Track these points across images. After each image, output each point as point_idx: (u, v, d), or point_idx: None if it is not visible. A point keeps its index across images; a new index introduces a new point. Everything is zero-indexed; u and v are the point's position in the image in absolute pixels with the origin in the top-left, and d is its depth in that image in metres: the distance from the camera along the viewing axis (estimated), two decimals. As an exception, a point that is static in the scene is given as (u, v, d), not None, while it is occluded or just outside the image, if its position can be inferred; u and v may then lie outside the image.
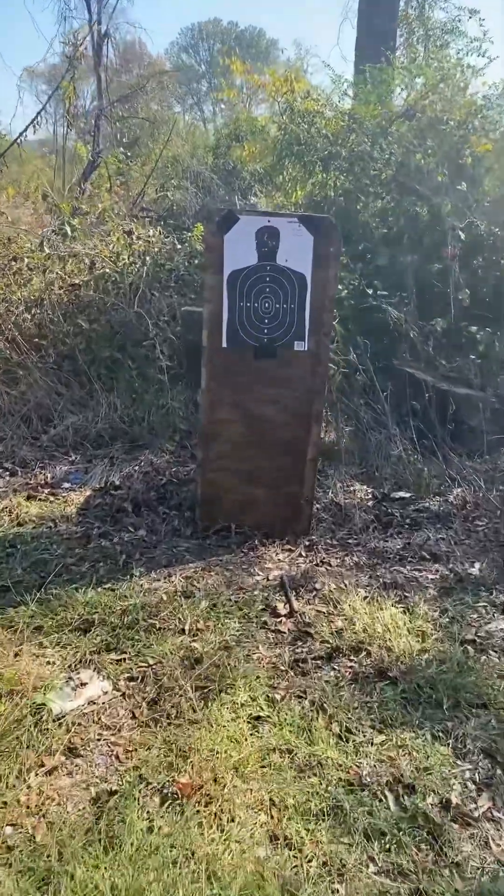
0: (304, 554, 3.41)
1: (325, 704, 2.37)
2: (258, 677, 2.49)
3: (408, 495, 4.10)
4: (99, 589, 2.95)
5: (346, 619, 2.84)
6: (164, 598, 2.92)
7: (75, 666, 2.49)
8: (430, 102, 8.31)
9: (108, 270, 5.29)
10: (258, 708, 2.34)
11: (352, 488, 4.16)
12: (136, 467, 4.14)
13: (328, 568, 3.29)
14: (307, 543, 3.52)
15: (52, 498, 3.83)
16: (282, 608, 2.90)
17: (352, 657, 2.64)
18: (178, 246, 5.92)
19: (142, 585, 3.01)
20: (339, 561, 3.37)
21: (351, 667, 2.59)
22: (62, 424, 4.41)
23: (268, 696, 2.40)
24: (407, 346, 5.80)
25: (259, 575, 3.18)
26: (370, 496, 4.11)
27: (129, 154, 12.98)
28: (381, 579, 3.21)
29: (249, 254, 3.23)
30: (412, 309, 5.76)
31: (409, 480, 4.23)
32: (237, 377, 3.39)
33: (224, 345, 3.34)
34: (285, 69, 8.61)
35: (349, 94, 9.11)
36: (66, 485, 3.96)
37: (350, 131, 8.22)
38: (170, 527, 3.59)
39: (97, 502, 3.80)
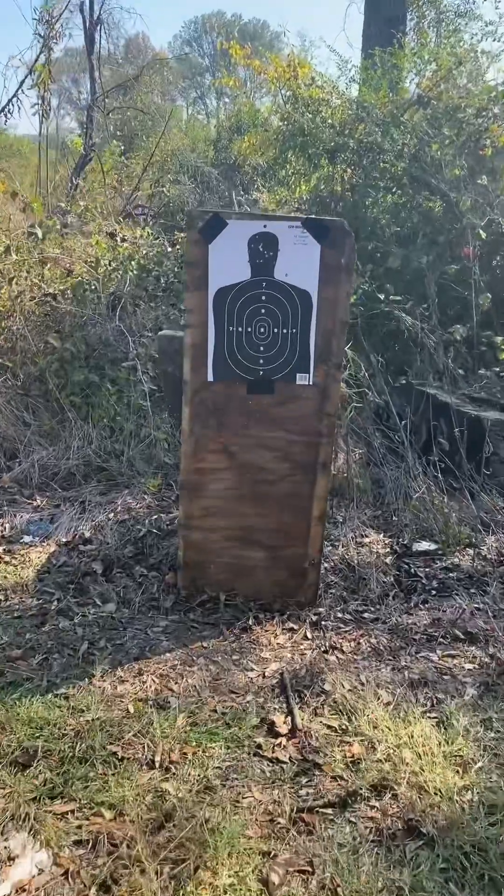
0: (309, 635, 2.78)
1: (339, 889, 1.74)
2: (248, 838, 1.86)
3: (433, 547, 3.46)
4: (49, 696, 2.32)
5: (364, 741, 2.20)
6: (131, 710, 2.29)
7: (3, 826, 1.87)
8: (445, 89, 7.62)
9: (85, 278, 4.65)
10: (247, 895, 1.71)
11: (366, 538, 3.52)
12: (111, 514, 3.51)
13: (339, 657, 2.66)
14: (313, 619, 2.88)
15: (6, 557, 3.19)
16: (281, 723, 2.27)
17: (373, 802, 2.01)
18: (169, 249, 5.27)
19: (104, 690, 2.38)
20: (352, 645, 2.73)
21: (372, 817, 1.96)
22: (27, 461, 3.78)
23: (260, 874, 1.77)
24: (424, 358, 5.16)
25: (253, 670, 2.54)
26: (388, 549, 3.46)
27: (123, 147, 12.33)
28: (405, 672, 2.57)
29: (241, 267, 2.59)
30: (430, 315, 5.11)
31: (434, 527, 3.59)
32: (226, 417, 2.75)
33: (210, 378, 2.70)
34: (289, 54, 7.93)
35: (357, 79, 8.43)
36: (27, 538, 3.33)
37: (358, 120, 7.55)
38: (146, 596, 2.96)
39: (61, 561, 3.17)
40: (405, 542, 3.51)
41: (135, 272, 4.90)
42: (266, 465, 2.81)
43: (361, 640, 2.77)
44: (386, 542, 3.54)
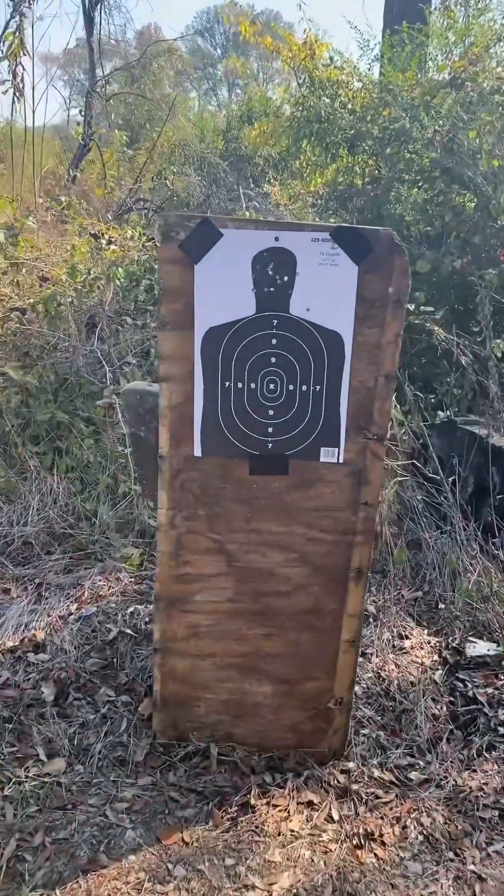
0: (335, 815, 1.97)
1: None
2: None
3: (493, 651, 2.63)
4: None
5: None
6: None
7: None
8: (481, 69, 6.71)
9: (59, 289, 3.84)
10: None
11: (407, 641, 2.71)
12: (75, 604, 2.71)
13: (378, 854, 1.85)
14: (340, 781, 2.07)
15: None
16: None
17: None
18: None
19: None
20: (396, 831, 1.92)
21: None
22: (-26, 527, 2.98)
23: None
24: (464, 384, 4.32)
25: (255, 888, 1.74)
26: (435, 655, 2.65)
27: (129, 138, 11.51)
28: (475, 887, 1.76)
29: (241, 298, 1.78)
30: (481, 333, 4.26)
31: (493, 621, 2.77)
32: (220, 506, 1.94)
33: (197, 453, 1.89)
34: (306, 30, 7.06)
35: (380, 59, 7.54)
36: (-40, 641, 2.54)
37: (383, 105, 6.69)
38: (111, 740, 2.16)
39: (1, 681, 2.37)
40: (456, 644, 2.69)
41: (121, 281, 4.09)
42: (276, 570, 2.00)
43: (408, 821, 1.96)
44: (433, 643, 2.72)
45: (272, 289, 1.77)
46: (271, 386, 1.85)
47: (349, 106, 7.15)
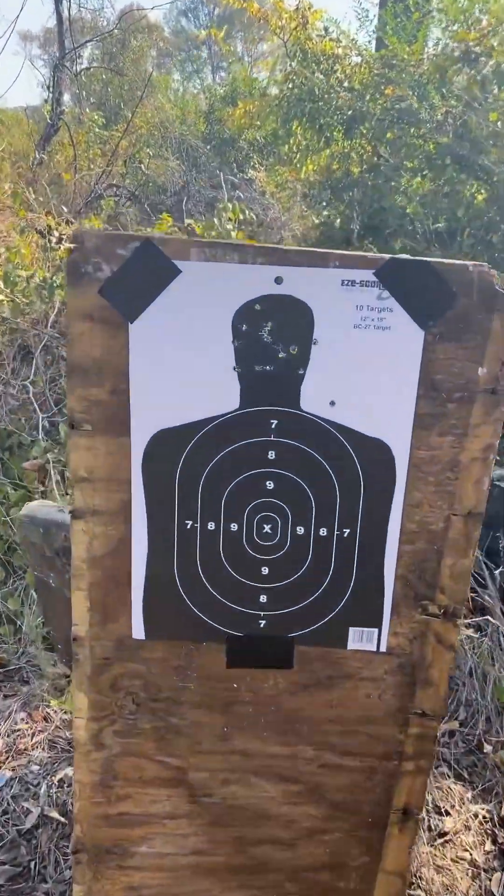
0: None
1: None
2: None
3: None
4: None
5: None
6: None
7: None
8: (498, 44, 5.89)
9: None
10: None
11: (446, 815, 1.95)
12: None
13: None
14: None
15: None
16: None
17: None
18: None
19: None
20: None
21: None
22: None
23: None
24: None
25: None
26: (488, 842, 1.89)
27: (105, 120, 10.61)
28: None
29: (213, 380, 0.98)
30: None
31: None
32: (177, 715, 1.16)
33: (138, 634, 1.10)
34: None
35: (382, 28, 6.69)
36: None
37: (384, 82, 5.87)
38: None
39: None
40: (514, 819, 1.94)
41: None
42: (271, 809, 1.22)
43: None
44: (481, 815, 1.96)
45: (270, 367, 0.98)
46: (266, 528, 1.06)
47: (346, 84, 6.32)
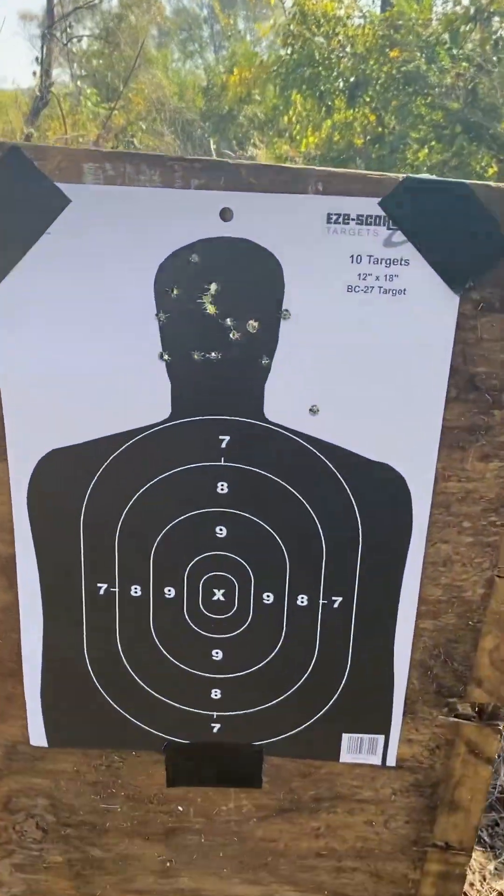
0: None
1: None
2: None
3: None
4: None
5: None
6: None
7: None
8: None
9: None
10: None
11: (468, 881, 1.60)
12: None
13: None
14: None
15: None
16: None
17: None
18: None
19: None
20: None
21: None
22: None
23: None
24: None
25: None
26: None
27: (101, 94, 10.21)
28: None
29: (129, 375, 0.61)
30: None
31: None
32: (99, 845, 0.81)
33: (38, 741, 0.74)
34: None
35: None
36: None
37: (389, 45, 5.45)
38: None
39: None
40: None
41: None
42: None
43: None
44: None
45: (216, 354, 0.62)
46: (218, 594, 0.71)
47: (348, 49, 5.89)
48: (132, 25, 13.50)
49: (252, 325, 0.62)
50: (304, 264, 0.60)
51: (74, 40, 10.45)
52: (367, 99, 6.04)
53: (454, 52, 4.99)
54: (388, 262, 0.59)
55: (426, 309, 0.61)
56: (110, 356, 0.63)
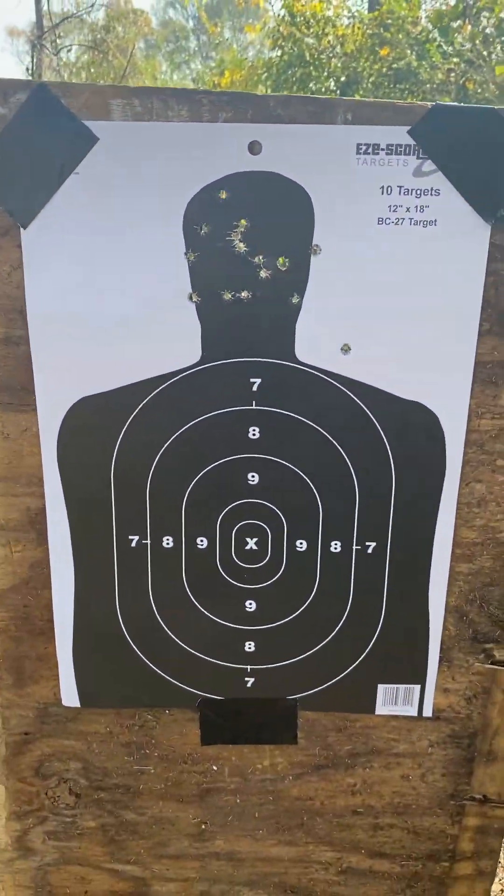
0: None
1: None
2: None
3: None
4: None
5: None
6: None
7: None
8: (501, -5, 5.51)
9: None
10: None
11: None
12: None
13: None
14: None
15: None
16: None
17: None
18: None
19: None
20: None
21: None
22: None
23: None
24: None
25: None
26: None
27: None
28: None
29: (158, 318, 0.61)
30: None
31: None
32: (132, 808, 0.80)
33: (69, 700, 0.73)
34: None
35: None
36: None
37: (379, 43, 5.47)
38: None
39: None
40: None
41: None
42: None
43: None
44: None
45: (247, 294, 0.62)
46: (251, 543, 0.71)
47: (337, 49, 5.92)
48: (119, 37, 13.59)
49: (282, 262, 0.62)
50: (334, 197, 0.60)
51: (64, 51, 10.51)
52: (358, 94, 6.08)
53: (444, 48, 5.02)
54: (418, 192, 0.59)
55: (458, 240, 0.60)
56: (140, 299, 0.63)
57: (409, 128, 0.58)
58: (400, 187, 0.59)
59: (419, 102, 0.57)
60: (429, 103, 0.58)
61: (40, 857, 0.85)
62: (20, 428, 0.67)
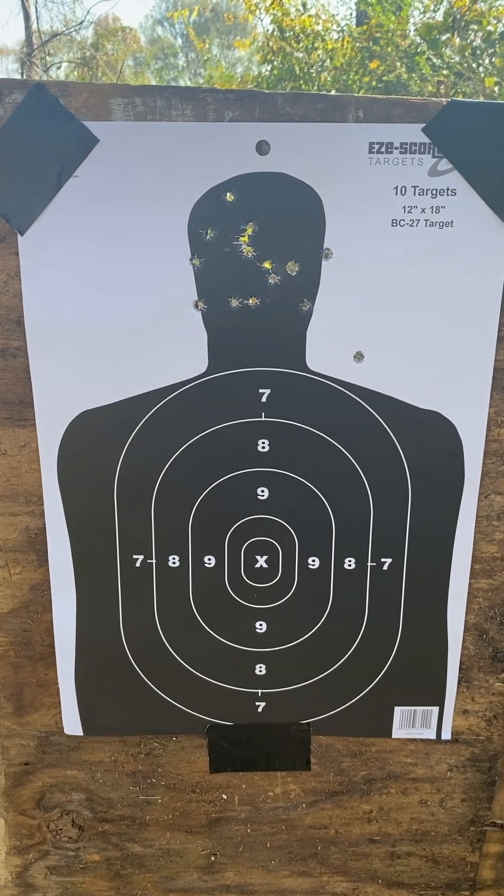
0: None
1: None
2: None
3: None
4: None
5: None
6: None
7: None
8: (490, 8, 5.55)
9: None
10: None
11: None
12: None
13: None
14: None
15: None
16: None
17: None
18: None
19: None
20: None
21: None
22: None
23: None
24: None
25: None
26: None
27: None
28: None
29: (161, 328, 0.58)
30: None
31: None
32: (138, 840, 0.76)
33: (74, 729, 0.70)
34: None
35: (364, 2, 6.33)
36: None
37: (368, 57, 5.51)
38: None
39: None
40: None
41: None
42: None
43: None
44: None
45: (255, 301, 0.59)
46: (260, 561, 0.67)
47: (327, 63, 5.96)
48: (108, 54, 13.68)
49: (292, 267, 0.59)
50: (346, 199, 0.57)
51: (53, 68, 10.55)
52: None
53: (434, 61, 5.04)
54: (433, 192, 0.57)
55: (475, 241, 0.58)
56: (143, 307, 0.60)
57: (423, 125, 0.56)
58: (415, 187, 0.57)
59: (433, 98, 0.55)
60: (444, 99, 0.55)
61: (42, 893, 0.81)
62: (18, 444, 0.64)
